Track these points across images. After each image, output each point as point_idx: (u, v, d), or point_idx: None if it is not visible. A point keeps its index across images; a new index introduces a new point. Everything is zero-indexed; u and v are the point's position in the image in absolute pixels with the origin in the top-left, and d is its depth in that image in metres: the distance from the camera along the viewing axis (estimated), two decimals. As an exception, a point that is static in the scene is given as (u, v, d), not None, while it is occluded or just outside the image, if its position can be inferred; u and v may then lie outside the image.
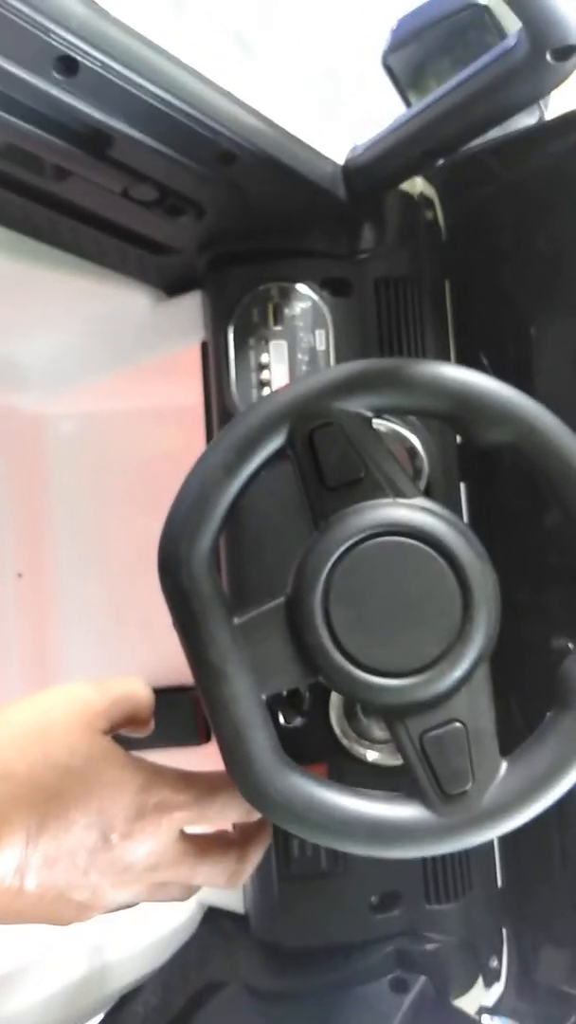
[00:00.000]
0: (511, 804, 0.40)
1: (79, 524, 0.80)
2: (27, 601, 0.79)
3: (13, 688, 0.78)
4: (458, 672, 0.40)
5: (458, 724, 0.41)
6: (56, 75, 0.39)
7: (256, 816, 0.46)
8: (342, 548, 0.41)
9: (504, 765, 0.41)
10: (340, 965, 0.58)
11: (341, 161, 0.55)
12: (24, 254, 0.60)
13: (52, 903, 0.40)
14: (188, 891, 0.47)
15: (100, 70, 0.39)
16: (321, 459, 0.42)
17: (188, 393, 0.67)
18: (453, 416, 0.42)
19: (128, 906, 0.45)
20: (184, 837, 0.44)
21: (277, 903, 0.58)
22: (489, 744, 0.41)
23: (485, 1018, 0.61)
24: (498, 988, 0.62)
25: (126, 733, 0.49)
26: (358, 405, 0.42)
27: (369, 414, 0.42)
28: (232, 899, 0.63)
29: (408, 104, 0.60)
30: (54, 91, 0.40)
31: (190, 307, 0.66)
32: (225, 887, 0.47)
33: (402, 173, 0.56)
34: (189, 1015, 0.58)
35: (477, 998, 0.61)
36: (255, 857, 0.48)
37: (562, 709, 0.42)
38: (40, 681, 0.79)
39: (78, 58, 0.38)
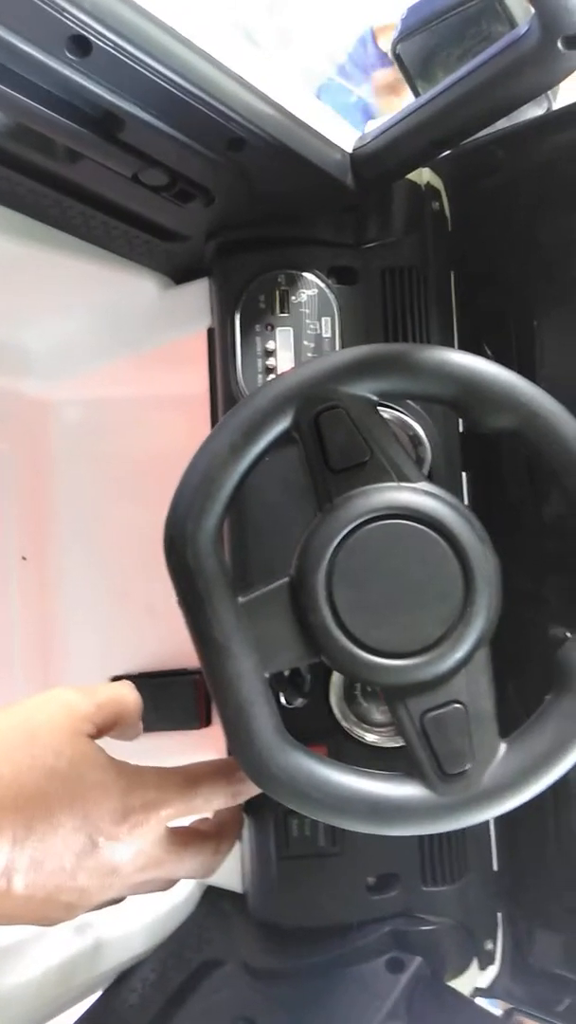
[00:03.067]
0: (510, 784, 0.41)
1: (83, 509, 0.81)
2: (30, 584, 0.80)
3: (15, 670, 0.78)
4: (459, 654, 0.41)
5: (458, 705, 0.41)
6: (69, 55, 0.39)
7: (241, 800, 0.47)
8: (346, 530, 0.41)
9: (503, 746, 0.42)
10: (337, 945, 0.58)
11: (349, 149, 0.55)
12: (33, 238, 0.60)
13: (40, 905, 0.41)
14: (170, 883, 0.48)
15: (113, 51, 0.40)
16: (326, 442, 0.42)
17: (193, 381, 0.67)
18: (457, 401, 0.43)
19: (114, 902, 0.46)
20: (167, 834, 0.45)
21: (275, 882, 0.59)
22: (489, 725, 0.42)
23: (479, 999, 0.62)
24: (492, 970, 0.63)
25: (114, 737, 0.49)
26: (364, 389, 0.42)
27: (375, 398, 0.43)
28: (231, 878, 0.64)
29: (417, 93, 0.60)
30: (66, 71, 0.40)
31: (197, 294, 0.67)
32: (202, 877, 0.48)
33: (410, 162, 0.56)
34: (186, 992, 0.58)
35: (472, 980, 0.61)
36: (228, 847, 0.49)
37: (560, 693, 0.42)
38: (42, 662, 0.79)
39: (91, 38, 0.39)
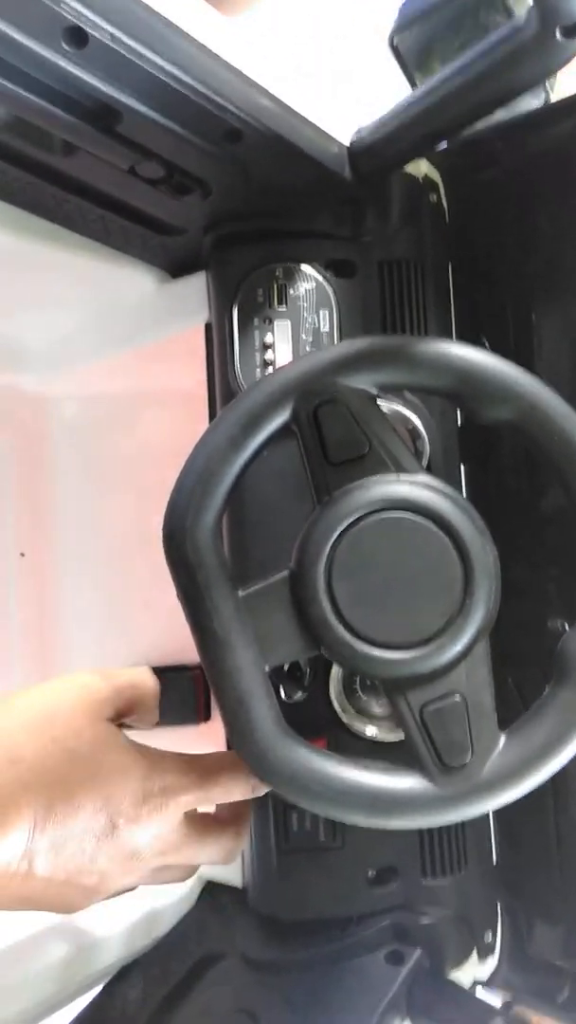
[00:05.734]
0: (509, 776, 0.41)
1: (81, 504, 0.81)
2: (29, 580, 0.80)
3: (14, 665, 0.78)
4: (458, 646, 0.41)
5: (458, 697, 0.41)
6: (65, 46, 0.39)
7: (260, 793, 0.47)
8: (345, 523, 0.41)
9: (503, 738, 0.42)
10: (337, 937, 0.58)
11: (346, 142, 0.55)
12: (30, 232, 0.60)
13: (60, 888, 0.41)
14: (189, 872, 0.48)
15: (109, 42, 0.39)
16: (325, 435, 0.42)
17: (191, 375, 0.67)
18: (456, 393, 0.43)
19: (130, 889, 0.46)
20: (186, 820, 0.45)
21: (275, 876, 0.59)
22: (488, 717, 0.42)
23: (479, 991, 0.62)
24: (492, 962, 0.63)
25: (131, 723, 0.50)
26: (362, 382, 0.42)
27: (373, 391, 0.43)
28: (230, 873, 0.64)
29: (414, 85, 0.60)
30: (62, 63, 0.40)
31: (194, 288, 0.67)
32: (222, 863, 0.48)
33: (407, 154, 0.56)
34: (188, 986, 0.58)
35: (472, 971, 0.61)
36: (247, 833, 0.49)
37: (559, 685, 0.42)
38: (40, 658, 0.79)
39: (87, 29, 0.38)
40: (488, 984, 0.63)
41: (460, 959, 0.60)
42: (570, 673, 0.42)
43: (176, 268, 0.70)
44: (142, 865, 0.43)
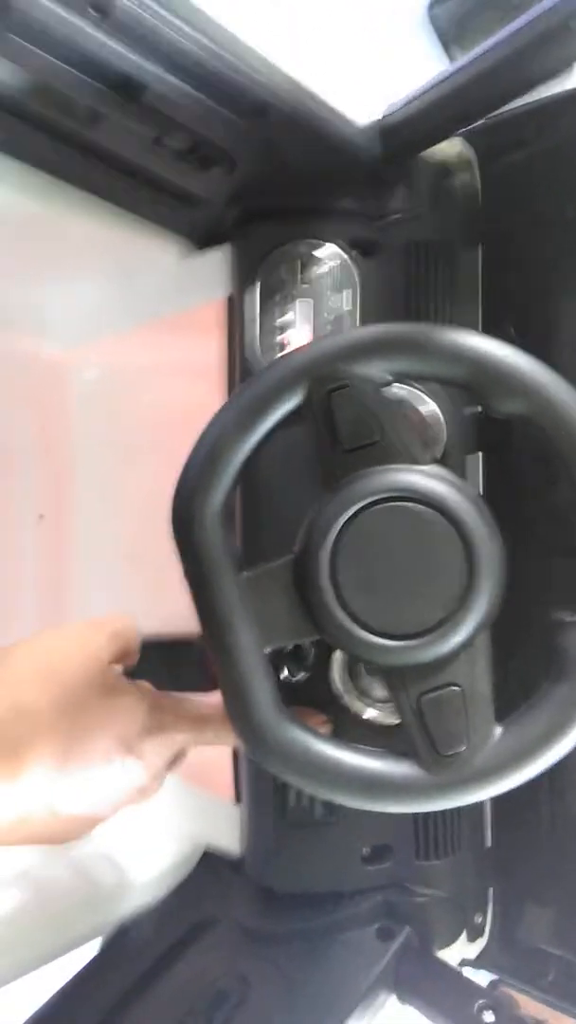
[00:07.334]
0: (502, 768, 0.41)
1: (99, 471, 0.81)
2: (47, 542, 0.81)
3: (30, 623, 0.80)
4: (459, 638, 0.41)
5: (456, 688, 0.42)
6: (92, 12, 0.39)
7: None
8: (352, 510, 0.41)
9: (498, 730, 0.42)
10: (330, 911, 0.60)
11: (375, 119, 0.54)
12: (55, 200, 0.59)
13: (76, 823, 0.44)
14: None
15: (137, 8, 0.39)
16: (337, 421, 0.42)
17: (210, 348, 0.67)
18: (469, 384, 0.42)
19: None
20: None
21: (272, 848, 0.60)
22: (485, 709, 0.42)
23: (466, 970, 0.63)
24: (481, 943, 0.64)
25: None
26: (375, 369, 0.42)
27: (387, 378, 0.43)
28: (228, 843, 0.65)
29: (451, 59, 0.59)
30: (89, 29, 0.40)
31: (218, 261, 0.66)
32: None
33: (438, 133, 0.55)
34: (182, 947, 0.60)
35: (460, 951, 0.63)
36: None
37: (557, 679, 0.42)
38: (56, 618, 0.81)
39: None
40: (476, 964, 0.64)
41: (449, 939, 0.61)
42: (567, 667, 0.42)
43: (201, 240, 0.69)
44: (146, 795, 0.47)
